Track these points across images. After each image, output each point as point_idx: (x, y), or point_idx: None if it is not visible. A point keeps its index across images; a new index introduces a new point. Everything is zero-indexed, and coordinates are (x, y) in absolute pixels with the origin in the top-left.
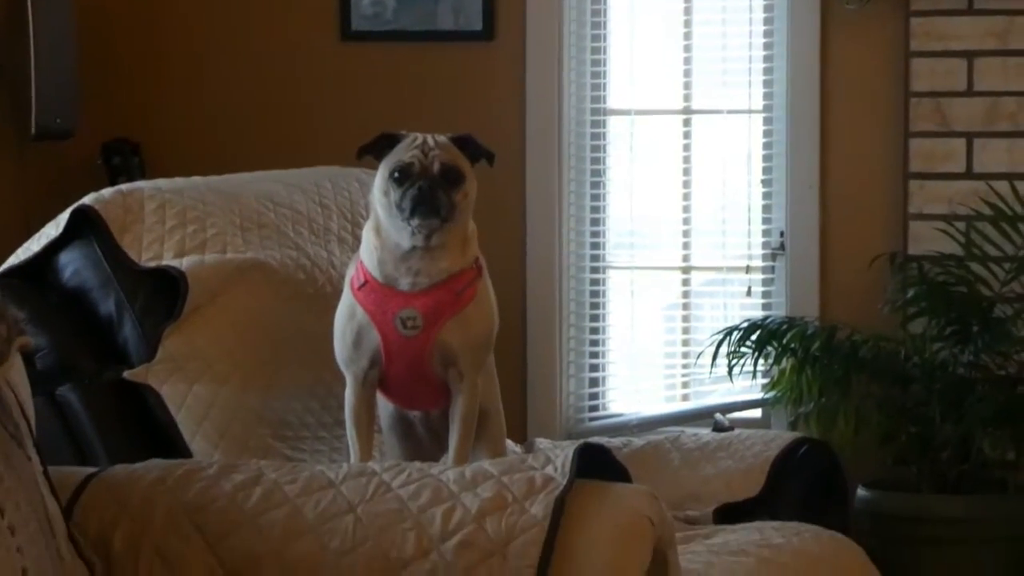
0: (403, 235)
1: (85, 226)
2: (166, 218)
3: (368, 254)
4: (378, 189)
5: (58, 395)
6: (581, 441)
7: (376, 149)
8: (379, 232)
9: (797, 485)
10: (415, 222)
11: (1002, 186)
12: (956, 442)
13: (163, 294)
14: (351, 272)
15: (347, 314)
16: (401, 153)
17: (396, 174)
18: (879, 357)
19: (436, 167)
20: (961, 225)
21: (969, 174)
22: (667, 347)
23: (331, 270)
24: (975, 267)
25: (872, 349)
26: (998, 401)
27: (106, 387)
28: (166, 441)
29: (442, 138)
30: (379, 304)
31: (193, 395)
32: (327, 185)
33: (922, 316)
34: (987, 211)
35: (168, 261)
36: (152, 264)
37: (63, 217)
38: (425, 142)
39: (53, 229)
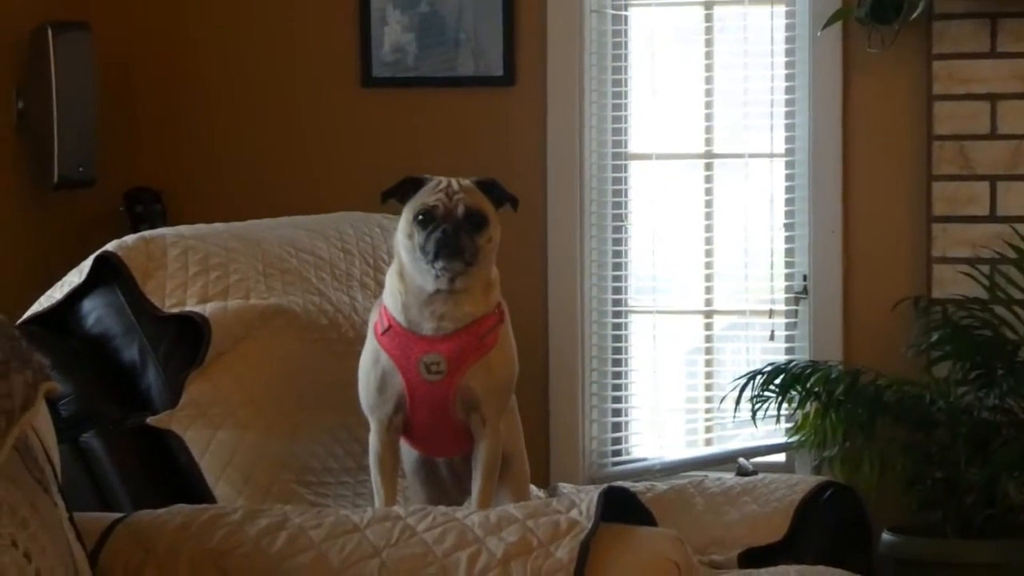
0: (427, 278)
1: (108, 273)
2: (189, 264)
3: (392, 299)
4: (402, 232)
5: (82, 442)
6: (606, 485)
7: (400, 193)
8: (403, 276)
9: (821, 530)
10: (439, 265)
11: None
12: (982, 487)
13: (186, 340)
14: (374, 317)
15: (371, 360)
16: (425, 196)
17: (420, 217)
18: (903, 401)
19: (460, 210)
20: (985, 268)
21: (993, 217)
22: (690, 391)
23: (354, 315)
24: (999, 310)
25: (896, 393)
26: (1023, 445)
27: (129, 434)
28: (190, 487)
29: (466, 182)
30: (403, 349)
31: (217, 441)
32: (349, 231)
33: (946, 360)
34: (1011, 254)
35: (191, 307)
36: (175, 310)
37: (86, 264)
38: (449, 185)
39: (76, 276)
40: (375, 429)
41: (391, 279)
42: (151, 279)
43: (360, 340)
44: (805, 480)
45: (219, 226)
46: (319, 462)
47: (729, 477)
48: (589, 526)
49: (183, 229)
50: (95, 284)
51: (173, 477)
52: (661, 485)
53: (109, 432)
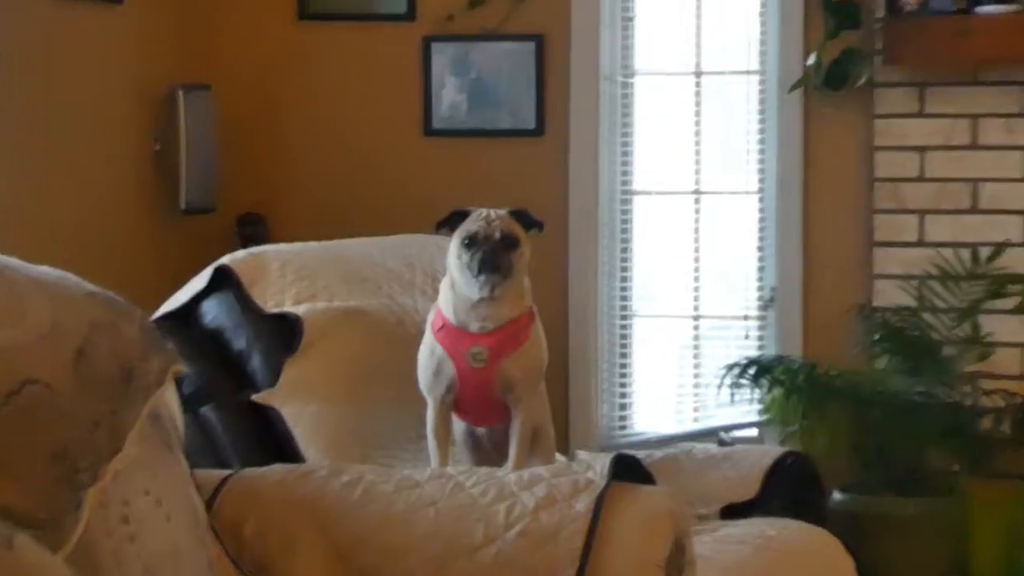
0: (472, 289)
1: (223, 280)
2: (286, 274)
3: (445, 303)
4: (452, 254)
5: (200, 414)
6: (616, 452)
7: (450, 222)
8: (453, 287)
9: (786, 489)
10: (482, 278)
11: (947, 252)
12: (910, 454)
13: (284, 334)
14: (431, 317)
15: (428, 351)
16: (469, 224)
17: (466, 241)
18: (850, 387)
19: (497, 234)
20: (915, 283)
21: (921, 243)
22: (681, 379)
23: (415, 316)
24: (926, 316)
25: (845, 381)
26: (944, 422)
27: (238, 408)
28: (285, 451)
29: (502, 211)
30: (454, 343)
31: (307, 414)
32: (412, 249)
33: (884, 355)
34: (935, 272)
35: (288, 308)
36: (275, 310)
37: (206, 273)
38: (488, 215)
39: (198, 282)
40: (431, 406)
41: (444, 288)
42: (256, 285)
43: (420, 336)
44: (773, 449)
45: (311, 244)
46: (387, 432)
47: (712, 447)
48: (603, 484)
49: (282, 247)
50: (213, 289)
51: (272, 443)
52: (658, 453)
53: (222, 407)
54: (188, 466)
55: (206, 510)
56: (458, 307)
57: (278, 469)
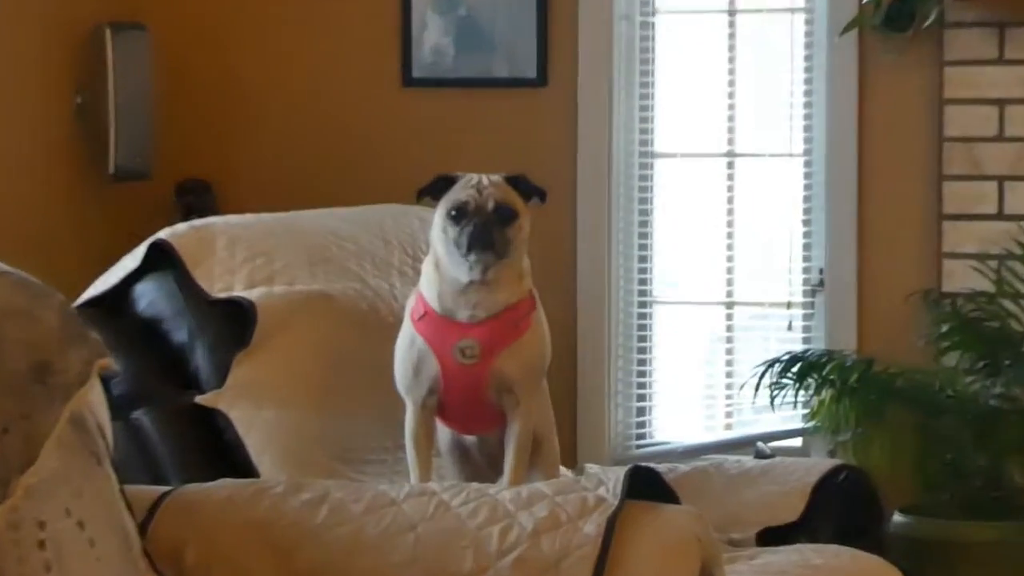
0: (461, 270)
1: (160, 259)
2: (236, 252)
3: (428, 287)
4: (436, 227)
5: (133, 419)
6: (632, 464)
7: (434, 190)
8: (438, 267)
9: (836, 510)
10: (472, 258)
11: None
12: (987, 470)
13: (233, 324)
14: (411, 304)
15: (407, 344)
16: (457, 193)
17: (453, 212)
18: (913, 388)
19: (490, 205)
20: (993, 263)
21: (1000, 215)
22: (710, 378)
23: (392, 302)
24: (1006, 304)
25: (907, 381)
26: None
27: (179, 412)
28: (235, 463)
29: (496, 177)
30: (439, 335)
31: (261, 419)
32: (388, 222)
33: (955, 350)
34: (1018, 250)
35: (238, 292)
36: (223, 295)
37: (140, 250)
38: (480, 182)
39: (131, 261)
40: (410, 409)
41: (427, 268)
42: (200, 265)
43: (398, 325)
44: (820, 463)
45: (265, 216)
46: (357, 440)
47: (748, 459)
48: (616, 503)
49: (231, 218)
50: (148, 269)
51: (220, 454)
52: (682, 466)
53: (159, 410)
54: (118, 481)
55: (139, 533)
56: (444, 292)
57: (226, 485)
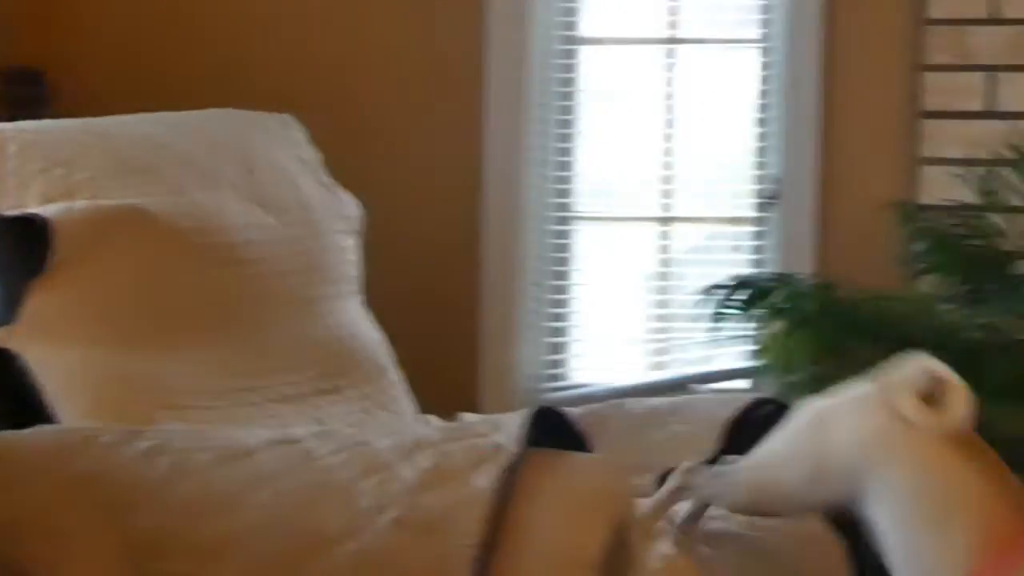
0: None
1: None
2: (29, 159)
3: None
4: None
5: None
6: (535, 405)
7: None
8: None
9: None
10: None
11: None
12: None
13: (26, 246)
14: None
15: None
16: None
17: None
18: (881, 318)
19: None
20: (980, 170)
21: (992, 113)
22: (642, 308)
23: (221, 220)
24: (995, 219)
25: (874, 309)
26: (1016, 368)
27: None
28: (32, 410)
29: None
30: None
31: (63, 360)
32: (219, 128)
33: (932, 273)
34: (1009, 154)
35: (32, 209)
36: (14, 212)
37: None
38: None
39: None
40: None
41: None
42: None
43: (231, 249)
44: (738, 397)
45: (69, 121)
46: (183, 382)
47: (656, 400)
48: (515, 451)
49: (26, 124)
50: None
51: (10, 401)
52: (588, 409)
53: None
54: None
55: None
56: None
57: (43, 433)
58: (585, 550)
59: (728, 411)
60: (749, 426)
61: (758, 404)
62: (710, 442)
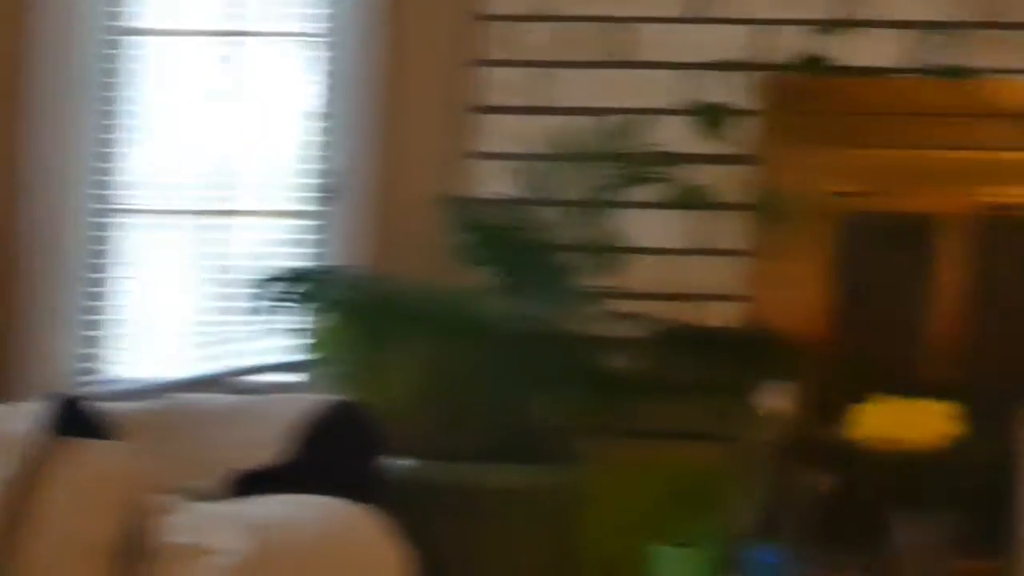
0: None
1: None
2: None
3: None
4: None
5: None
6: (58, 395)
7: None
8: None
9: (330, 453)
10: None
11: (581, 120)
12: (510, 407)
13: None
14: None
15: None
16: None
17: None
18: (427, 311)
19: None
20: (534, 165)
21: (545, 108)
22: (197, 303)
23: None
24: (547, 212)
25: (421, 302)
26: (558, 360)
27: None
28: None
29: None
30: None
31: None
32: None
33: (478, 265)
34: (561, 149)
35: None
36: None
37: None
38: None
39: None
40: None
41: None
42: None
43: None
44: (308, 399)
45: None
46: None
47: (224, 396)
48: (35, 438)
49: None
50: None
51: None
52: (139, 404)
53: None
54: None
55: None
56: None
57: None
58: (97, 535)
59: (294, 413)
60: (323, 428)
61: (330, 406)
62: (274, 444)
